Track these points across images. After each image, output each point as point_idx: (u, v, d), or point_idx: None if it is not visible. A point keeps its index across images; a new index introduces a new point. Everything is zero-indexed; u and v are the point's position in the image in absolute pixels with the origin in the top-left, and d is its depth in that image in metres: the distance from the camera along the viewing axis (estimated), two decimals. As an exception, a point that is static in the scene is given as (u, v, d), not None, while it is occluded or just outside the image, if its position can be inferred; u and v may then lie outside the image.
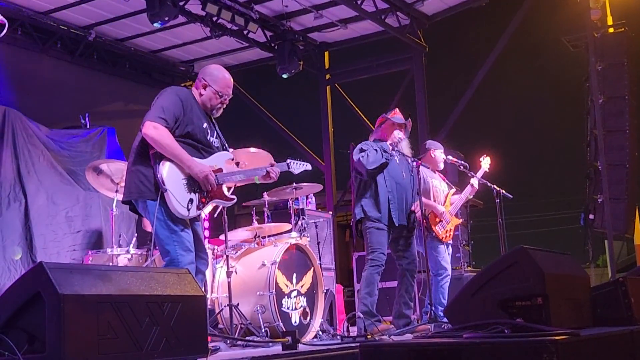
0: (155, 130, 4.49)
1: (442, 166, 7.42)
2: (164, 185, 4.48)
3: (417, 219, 6.50)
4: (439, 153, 7.31)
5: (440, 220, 7.09)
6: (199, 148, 4.71)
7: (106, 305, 3.06)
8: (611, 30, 10.23)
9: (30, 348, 2.96)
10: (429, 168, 7.15)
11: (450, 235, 7.23)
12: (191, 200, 4.61)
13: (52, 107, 9.84)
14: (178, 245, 4.55)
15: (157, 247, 4.74)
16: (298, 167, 5.30)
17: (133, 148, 4.69)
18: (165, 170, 4.52)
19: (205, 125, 4.78)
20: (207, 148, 4.78)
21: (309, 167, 5.41)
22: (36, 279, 2.98)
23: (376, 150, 6.37)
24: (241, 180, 4.92)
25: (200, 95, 4.84)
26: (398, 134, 6.50)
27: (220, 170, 4.78)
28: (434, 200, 7.14)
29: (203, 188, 4.65)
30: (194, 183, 4.63)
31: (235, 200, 4.89)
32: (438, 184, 7.29)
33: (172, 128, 4.56)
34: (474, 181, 7.29)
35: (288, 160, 5.20)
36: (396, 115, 6.62)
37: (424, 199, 6.93)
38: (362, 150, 6.42)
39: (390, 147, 6.42)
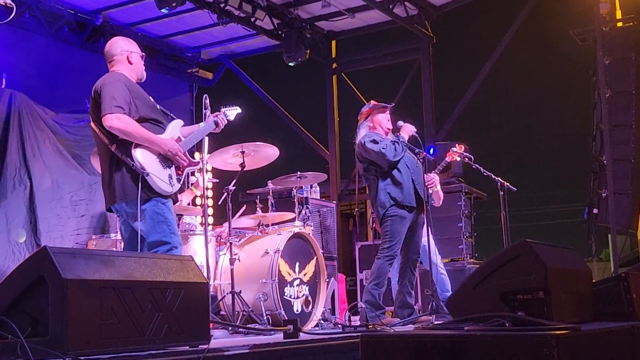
0: (118, 121, 4.52)
1: None
2: (145, 170, 4.51)
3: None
4: None
5: None
6: (155, 124, 4.75)
7: (109, 291, 3.07)
8: (620, 24, 10.17)
9: (33, 331, 2.98)
10: None
11: None
12: (170, 176, 4.69)
13: (58, 91, 9.83)
14: (172, 233, 4.63)
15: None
16: (232, 112, 5.38)
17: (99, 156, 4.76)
18: (139, 155, 4.56)
19: (151, 98, 4.84)
20: (161, 121, 4.82)
21: (239, 109, 5.46)
22: (40, 263, 3.00)
23: (394, 143, 6.29)
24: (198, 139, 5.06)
25: (131, 64, 4.85)
26: (383, 117, 6.50)
27: (179, 139, 4.86)
28: None
29: (176, 163, 4.71)
30: (166, 159, 4.68)
31: (199, 164, 4.96)
32: None
33: (129, 114, 4.59)
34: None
35: (222, 109, 5.29)
36: (377, 104, 6.59)
37: None
38: (375, 142, 6.31)
39: (397, 137, 6.38)
